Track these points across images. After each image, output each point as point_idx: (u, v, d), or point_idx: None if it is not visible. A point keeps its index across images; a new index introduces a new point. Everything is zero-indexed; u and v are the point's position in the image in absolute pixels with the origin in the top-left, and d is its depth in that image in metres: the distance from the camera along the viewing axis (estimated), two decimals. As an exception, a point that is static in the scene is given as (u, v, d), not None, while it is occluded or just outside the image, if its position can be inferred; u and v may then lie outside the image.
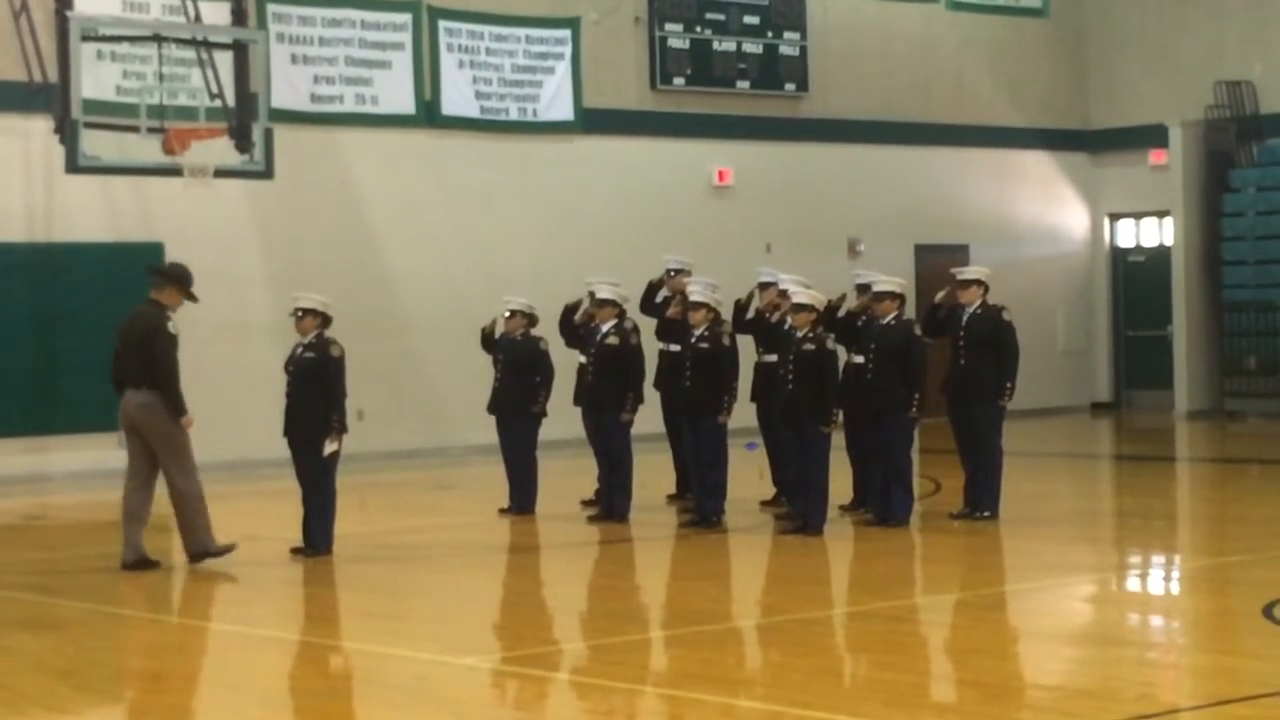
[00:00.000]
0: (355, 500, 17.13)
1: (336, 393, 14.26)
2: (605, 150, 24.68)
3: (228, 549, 14.04)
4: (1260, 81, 27.38)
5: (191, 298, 14.21)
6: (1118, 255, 29.36)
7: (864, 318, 15.72)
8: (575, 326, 16.77)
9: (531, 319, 16.75)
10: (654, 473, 17.55)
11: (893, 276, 15.94)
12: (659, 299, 17.28)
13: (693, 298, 15.82)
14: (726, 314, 16.20)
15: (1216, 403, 27.25)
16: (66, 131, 18.79)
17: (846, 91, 26.79)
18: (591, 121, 24.57)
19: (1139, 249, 29.20)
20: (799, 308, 14.91)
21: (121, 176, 20.35)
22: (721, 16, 25.55)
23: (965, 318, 15.57)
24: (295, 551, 14.33)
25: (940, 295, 15.85)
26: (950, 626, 11.69)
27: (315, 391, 14.23)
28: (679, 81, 25.32)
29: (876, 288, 15.54)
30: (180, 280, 14.16)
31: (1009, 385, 15.48)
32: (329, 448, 14.18)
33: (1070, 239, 29.16)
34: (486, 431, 17.37)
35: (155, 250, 21.41)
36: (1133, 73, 28.74)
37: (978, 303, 15.60)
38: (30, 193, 20.92)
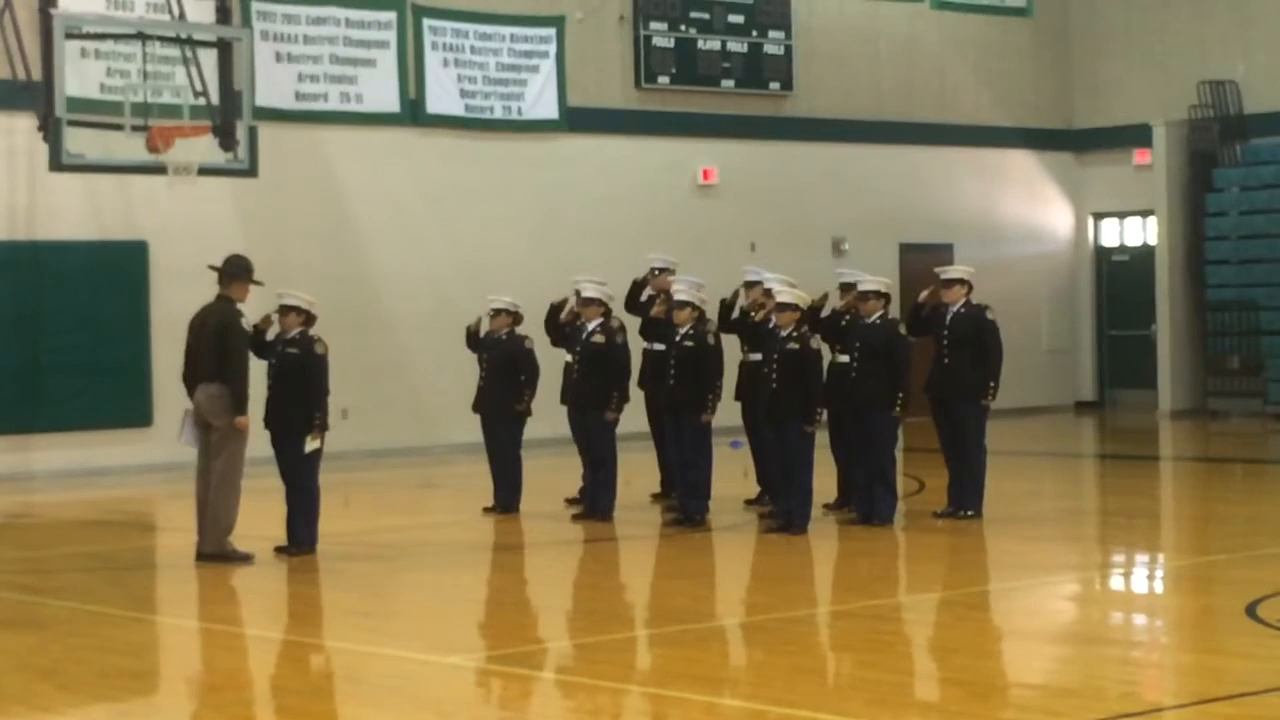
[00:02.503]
0: (339, 499, 17.13)
1: (319, 391, 14.26)
2: (590, 149, 24.68)
3: (245, 558, 14.01)
4: (1243, 81, 27.42)
5: (257, 283, 14.37)
6: (1101, 254, 29.41)
7: (848, 317, 15.73)
8: (561, 325, 16.77)
9: (516, 317, 16.75)
10: (638, 471, 17.56)
11: (877, 276, 15.96)
12: (644, 298, 17.27)
13: (678, 296, 15.82)
14: (711, 313, 16.20)
15: (1200, 402, 27.30)
16: (50, 129, 18.76)
17: (831, 91, 26.81)
18: (576, 120, 24.56)
19: (1123, 248, 29.24)
20: (783, 307, 14.92)
21: (105, 174, 20.32)
22: (706, 15, 25.55)
23: (949, 317, 15.59)
24: (279, 550, 14.32)
25: (924, 294, 15.87)
26: (934, 625, 11.71)
27: (299, 389, 14.23)
28: (664, 80, 25.32)
29: (862, 287, 15.56)
30: (243, 272, 14.27)
31: (992, 384, 15.50)
32: (310, 445, 14.18)
33: (1054, 238, 29.19)
34: (471, 430, 17.36)
35: (139, 249, 21.43)
36: (1117, 72, 28.78)
37: (961, 302, 15.62)
38: (14, 191, 20.87)
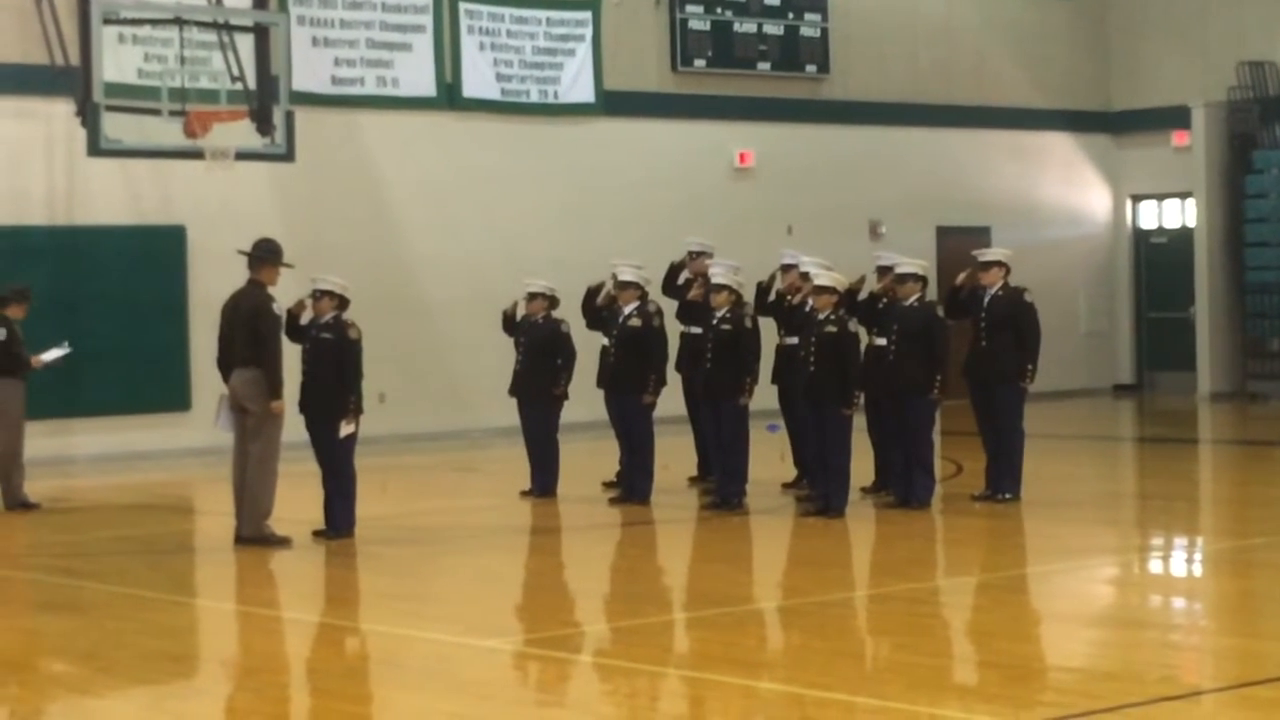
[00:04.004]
0: (377, 483, 17.15)
1: (353, 375, 14.28)
2: (626, 132, 24.66)
3: (283, 541, 14.05)
4: (1283, 62, 27.30)
5: (287, 266, 14.39)
6: (1140, 237, 29.29)
7: (886, 300, 15.70)
8: (597, 309, 16.77)
9: (553, 301, 16.75)
10: (675, 455, 17.56)
11: (914, 258, 15.94)
12: (681, 281, 17.27)
13: (714, 280, 15.81)
14: (748, 296, 16.20)
15: (1238, 385, 27.19)
16: (88, 115, 18.81)
17: (868, 73, 26.74)
18: (612, 103, 24.55)
19: (1161, 230, 29.11)
20: (820, 290, 14.90)
21: (143, 160, 20.38)
22: (743, -2, 25.52)
23: (987, 299, 15.56)
24: (317, 534, 14.36)
25: (961, 277, 15.83)
26: (972, 609, 11.69)
27: (333, 373, 14.26)
28: (700, 63, 25.29)
29: (899, 270, 15.53)
30: (273, 256, 14.30)
31: (1030, 367, 15.46)
32: (345, 429, 14.21)
33: (1092, 220, 29.08)
34: (508, 414, 17.39)
35: (177, 233, 21.50)
36: (1155, 54, 28.64)
37: (999, 284, 15.58)
38: (52, 176, 20.95)
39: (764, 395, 16.24)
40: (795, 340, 15.66)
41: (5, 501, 16.50)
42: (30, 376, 16.85)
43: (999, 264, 15.66)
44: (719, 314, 15.65)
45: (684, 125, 25.09)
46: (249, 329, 14.03)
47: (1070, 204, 28.80)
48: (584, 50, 24.36)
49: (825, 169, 26.10)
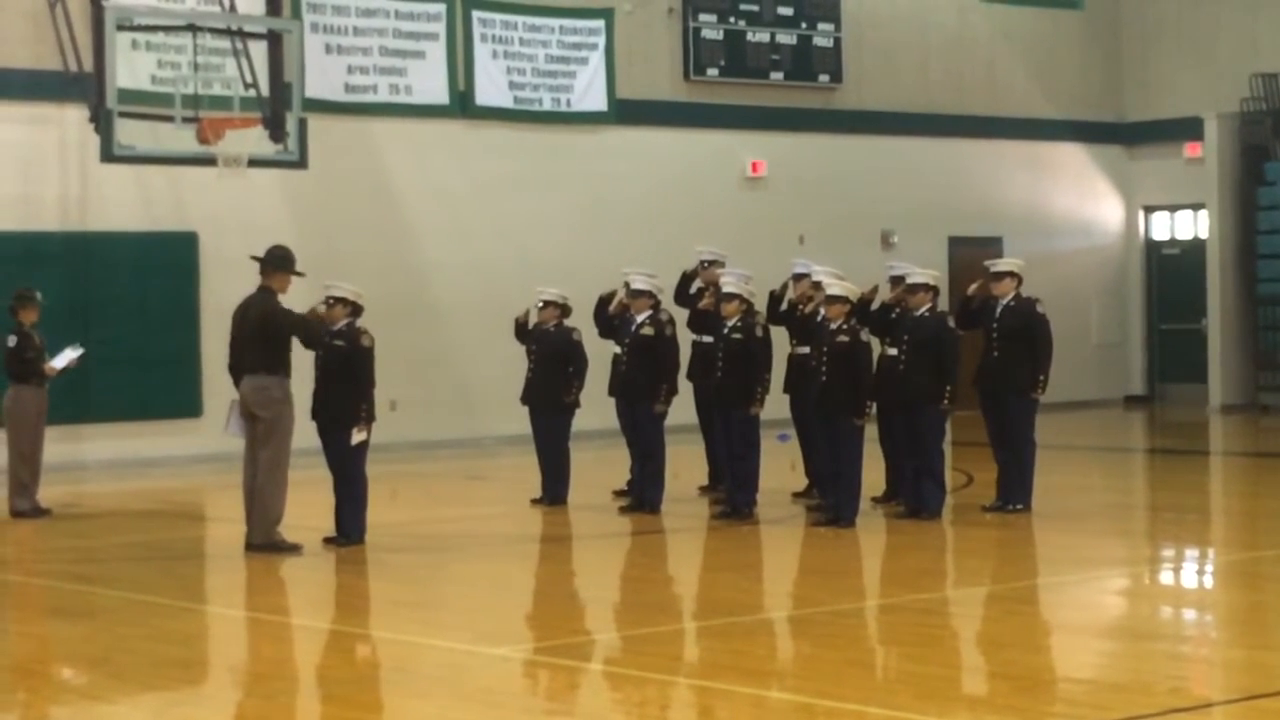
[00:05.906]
0: (387, 490, 17.16)
1: (365, 382, 14.29)
2: (638, 141, 24.68)
3: (293, 548, 14.06)
4: (1296, 74, 27.29)
5: (298, 274, 14.40)
6: (1152, 248, 29.28)
7: (897, 310, 15.69)
8: (609, 317, 16.78)
9: (565, 309, 16.76)
10: (686, 464, 17.56)
11: (926, 269, 15.94)
12: (692, 290, 17.27)
13: (726, 289, 15.81)
14: (760, 305, 16.20)
15: (1250, 397, 27.17)
16: (101, 121, 18.84)
17: (880, 83, 26.75)
18: (625, 112, 24.57)
19: (1173, 242, 29.10)
20: (832, 299, 14.90)
21: (156, 166, 20.39)
22: (755, 7, 25.52)
23: (998, 310, 15.54)
24: (328, 541, 14.37)
25: (973, 287, 15.82)
26: (982, 620, 11.69)
27: (345, 381, 14.27)
28: (712, 72, 25.31)
29: (910, 280, 15.52)
30: (284, 263, 14.30)
31: (1042, 378, 15.44)
32: (357, 437, 14.22)
33: (1104, 231, 29.08)
34: (519, 422, 17.39)
35: (189, 240, 21.53)
36: (1168, 65, 28.64)
37: (1011, 295, 15.57)
38: (65, 182, 20.98)
39: (775, 405, 16.24)
40: (807, 350, 15.66)
41: (10, 508, 16.51)
42: (51, 383, 16.89)
43: (1011, 274, 15.65)
44: (730, 323, 15.66)
45: (696, 134, 25.11)
46: (260, 336, 14.04)
47: (1082, 215, 28.80)
48: (597, 59, 24.38)
49: (837, 179, 26.11)
